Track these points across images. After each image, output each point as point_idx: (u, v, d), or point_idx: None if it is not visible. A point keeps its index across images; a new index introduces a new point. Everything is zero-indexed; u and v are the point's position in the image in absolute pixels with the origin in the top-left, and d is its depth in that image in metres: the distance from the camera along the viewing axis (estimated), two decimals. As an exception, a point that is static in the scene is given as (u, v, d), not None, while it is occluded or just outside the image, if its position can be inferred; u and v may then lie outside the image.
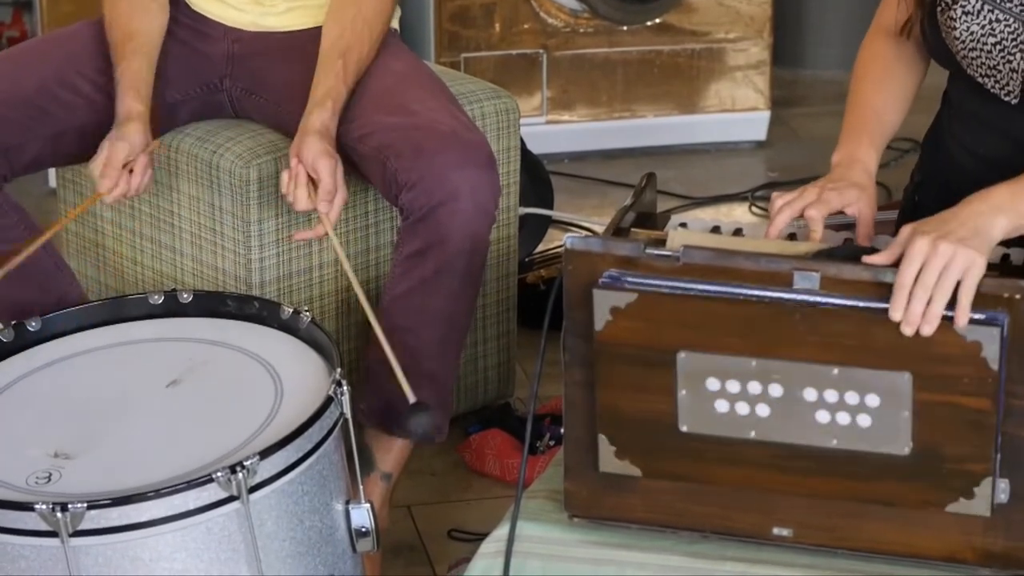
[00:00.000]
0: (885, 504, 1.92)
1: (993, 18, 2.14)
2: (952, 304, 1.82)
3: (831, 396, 1.87)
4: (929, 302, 1.82)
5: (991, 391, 1.82)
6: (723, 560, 1.98)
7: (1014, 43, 2.13)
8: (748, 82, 4.45)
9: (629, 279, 1.90)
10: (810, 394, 1.87)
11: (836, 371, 1.85)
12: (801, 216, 2.10)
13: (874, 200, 2.16)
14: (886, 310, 1.83)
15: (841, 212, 2.14)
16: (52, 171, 3.78)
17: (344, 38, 2.67)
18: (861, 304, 1.85)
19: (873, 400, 1.86)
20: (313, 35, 2.74)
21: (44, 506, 1.94)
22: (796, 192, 2.12)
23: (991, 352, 1.80)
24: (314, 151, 2.53)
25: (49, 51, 2.82)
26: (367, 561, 2.36)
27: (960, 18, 2.16)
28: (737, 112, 4.48)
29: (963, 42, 2.16)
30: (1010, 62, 2.14)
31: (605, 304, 1.89)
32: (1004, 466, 1.87)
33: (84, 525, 1.96)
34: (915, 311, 1.82)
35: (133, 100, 2.62)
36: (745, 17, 4.39)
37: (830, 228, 2.13)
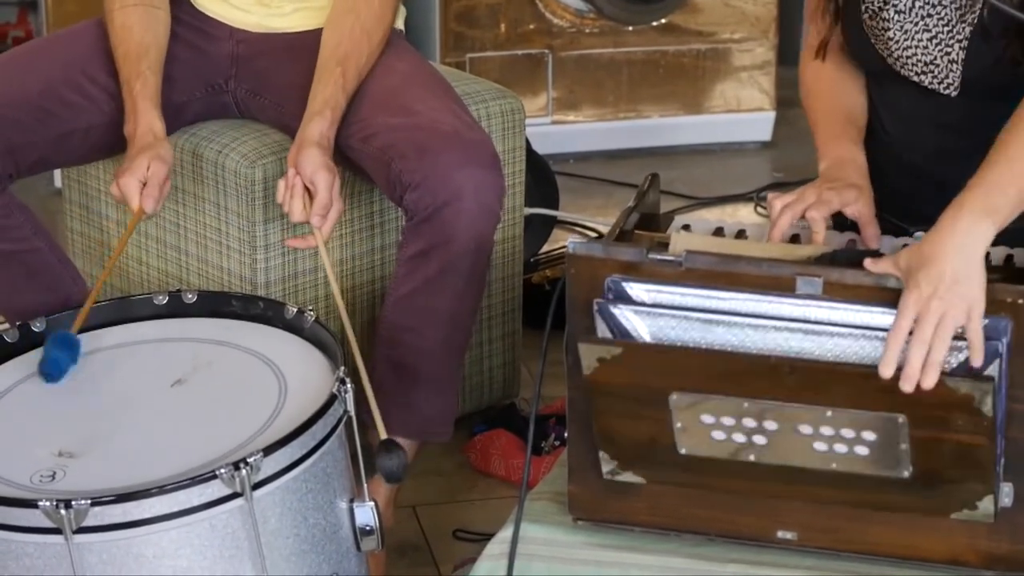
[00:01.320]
0: (888, 511, 1.92)
1: (925, 13, 2.14)
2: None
3: (827, 431, 1.86)
4: (929, 352, 1.79)
5: (987, 432, 1.80)
6: (727, 562, 1.98)
7: (950, 35, 2.13)
8: (753, 82, 4.45)
9: (618, 314, 1.89)
10: (806, 429, 1.87)
11: (830, 412, 1.84)
12: (803, 217, 2.10)
13: (871, 198, 2.15)
14: (874, 368, 1.80)
15: (840, 213, 2.14)
16: (57, 171, 3.78)
17: (343, 46, 2.66)
18: (851, 362, 1.83)
19: (869, 435, 1.85)
20: (318, 36, 2.73)
21: (48, 503, 1.94)
22: (795, 194, 2.11)
23: (985, 403, 1.78)
24: (313, 164, 2.52)
25: (54, 51, 2.81)
26: (372, 560, 2.36)
27: (893, 18, 2.16)
28: (742, 112, 4.48)
29: (897, 42, 2.17)
30: (948, 54, 2.14)
31: (591, 355, 1.88)
32: (1008, 470, 1.87)
33: (88, 522, 1.96)
34: (914, 366, 1.79)
35: (158, 120, 2.62)
36: (750, 17, 4.39)
37: (832, 230, 2.13)
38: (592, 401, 1.93)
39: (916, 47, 2.16)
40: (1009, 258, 2.00)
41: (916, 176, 2.20)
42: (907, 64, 2.18)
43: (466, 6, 4.22)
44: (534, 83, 4.31)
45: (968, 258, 1.83)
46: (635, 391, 1.89)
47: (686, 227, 2.13)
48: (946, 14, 2.13)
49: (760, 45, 4.43)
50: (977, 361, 1.80)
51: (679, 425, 1.90)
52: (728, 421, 1.88)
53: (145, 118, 2.60)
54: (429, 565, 2.78)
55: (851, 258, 1.94)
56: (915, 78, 2.18)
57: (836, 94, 2.30)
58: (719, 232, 2.12)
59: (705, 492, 1.97)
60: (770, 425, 1.87)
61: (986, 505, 1.86)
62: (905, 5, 2.15)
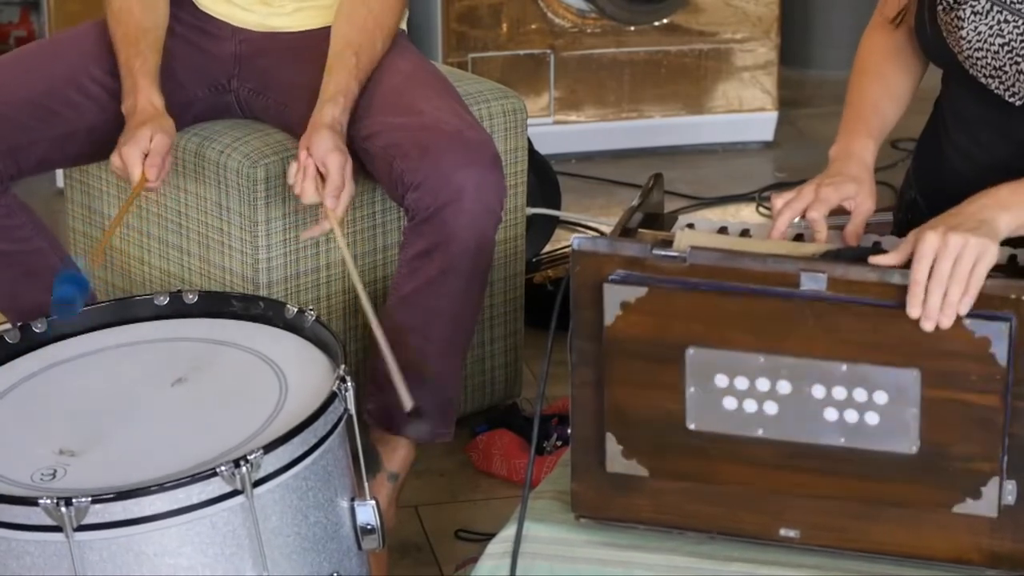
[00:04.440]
0: (892, 505, 1.92)
1: (1002, 19, 2.13)
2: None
3: (839, 393, 1.87)
4: (945, 294, 1.82)
5: (999, 388, 1.82)
6: (730, 561, 1.98)
7: (1023, 44, 2.12)
8: (755, 82, 4.44)
9: (638, 275, 1.90)
10: (818, 391, 1.87)
11: (845, 367, 1.85)
12: (803, 216, 2.10)
13: (872, 193, 2.15)
14: (896, 306, 1.83)
15: (842, 209, 2.13)
16: (60, 172, 3.78)
17: (356, 37, 2.67)
18: (871, 300, 1.85)
19: (881, 397, 1.86)
20: (321, 35, 2.74)
21: (48, 501, 1.94)
22: (794, 191, 2.11)
23: (1000, 349, 1.80)
24: (325, 146, 2.52)
25: (57, 52, 2.82)
26: (374, 561, 2.36)
27: (968, 18, 2.15)
28: (744, 112, 4.48)
29: (969, 42, 2.16)
30: (1017, 64, 2.13)
31: (615, 298, 1.89)
32: (1011, 467, 1.87)
33: (88, 520, 1.96)
34: (933, 305, 1.82)
35: (157, 95, 2.62)
36: (752, 18, 4.39)
37: (835, 229, 2.13)
38: (606, 368, 1.93)
39: (987, 51, 2.14)
40: (1012, 258, 2.00)
41: (972, 187, 2.19)
42: (976, 65, 2.17)
43: (468, 6, 4.22)
44: (536, 83, 4.31)
45: (989, 221, 1.88)
46: (653, 347, 1.90)
47: (690, 225, 2.13)
48: (1023, 24, 2.12)
49: (762, 45, 4.43)
50: (966, 305, 1.81)
51: (692, 390, 1.90)
52: (741, 383, 1.89)
53: (144, 93, 2.61)
54: (431, 565, 2.78)
55: (856, 255, 1.94)
56: (983, 80, 2.17)
57: (878, 77, 2.29)
58: (723, 231, 2.12)
59: (708, 487, 1.97)
60: (783, 387, 1.88)
61: (990, 492, 1.86)
62: (982, 7, 2.14)
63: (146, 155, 2.52)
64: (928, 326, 1.82)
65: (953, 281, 1.82)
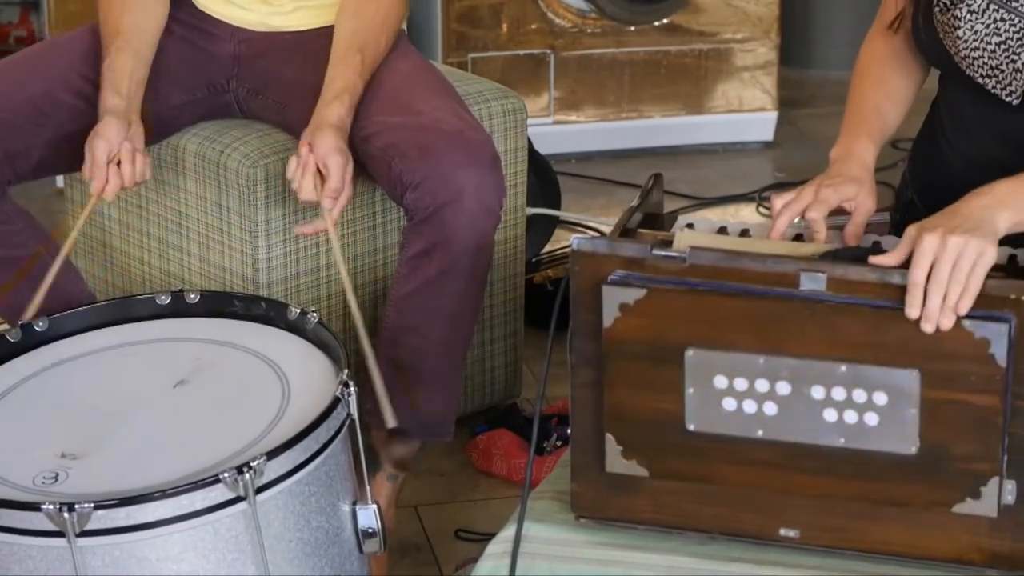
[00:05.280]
0: (892, 505, 1.92)
1: (998, 17, 2.14)
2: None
3: (839, 394, 1.87)
4: (944, 296, 1.82)
5: (998, 388, 1.82)
6: (730, 561, 1.98)
7: (1019, 42, 2.13)
8: (755, 83, 4.45)
9: (637, 276, 1.90)
10: (818, 392, 1.87)
11: (844, 368, 1.86)
12: (803, 217, 2.10)
13: (873, 193, 2.15)
14: (895, 306, 1.83)
15: (842, 210, 2.14)
16: (59, 171, 3.78)
17: (361, 34, 2.67)
18: (870, 301, 1.85)
19: (880, 398, 1.86)
20: (320, 35, 2.73)
21: (51, 506, 1.94)
22: (794, 192, 2.12)
23: (999, 349, 1.80)
24: (328, 145, 2.52)
25: (53, 56, 2.81)
26: (374, 561, 2.36)
27: (965, 17, 2.15)
28: (744, 113, 4.48)
29: (965, 41, 2.16)
30: (1014, 62, 2.14)
31: (614, 300, 1.89)
32: (1011, 467, 1.87)
33: (91, 525, 1.96)
34: (932, 307, 1.82)
35: (111, 96, 2.61)
36: (752, 18, 4.40)
37: (835, 229, 2.13)
38: (605, 369, 1.93)
39: (984, 49, 2.15)
40: (1012, 258, 2.00)
41: (968, 187, 2.20)
42: (973, 64, 2.17)
43: (468, 6, 4.22)
44: (536, 83, 4.31)
45: (984, 222, 1.88)
46: (651, 348, 1.90)
47: (690, 225, 2.13)
48: (1019, 22, 2.12)
49: (762, 45, 4.43)
50: (965, 305, 1.82)
51: (691, 391, 1.91)
52: (741, 384, 1.89)
53: (103, 97, 2.61)
54: (431, 565, 2.79)
55: (855, 255, 1.95)
56: (979, 80, 2.18)
57: (879, 81, 2.29)
58: (723, 231, 2.12)
59: (708, 487, 1.97)
60: (782, 388, 1.88)
61: (990, 491, 1.87)
62: (979, 6, 2.14)
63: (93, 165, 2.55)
64: (928, 328, 1.82)
65: (952, 282, 1.83)
